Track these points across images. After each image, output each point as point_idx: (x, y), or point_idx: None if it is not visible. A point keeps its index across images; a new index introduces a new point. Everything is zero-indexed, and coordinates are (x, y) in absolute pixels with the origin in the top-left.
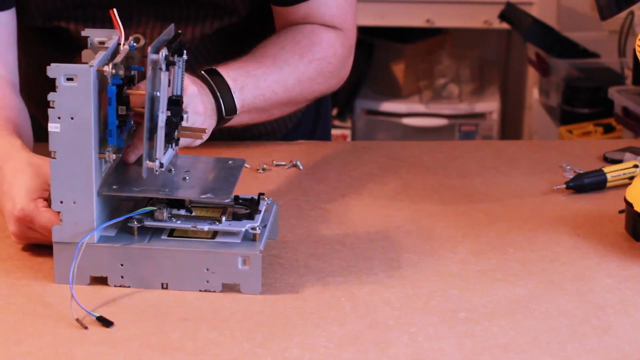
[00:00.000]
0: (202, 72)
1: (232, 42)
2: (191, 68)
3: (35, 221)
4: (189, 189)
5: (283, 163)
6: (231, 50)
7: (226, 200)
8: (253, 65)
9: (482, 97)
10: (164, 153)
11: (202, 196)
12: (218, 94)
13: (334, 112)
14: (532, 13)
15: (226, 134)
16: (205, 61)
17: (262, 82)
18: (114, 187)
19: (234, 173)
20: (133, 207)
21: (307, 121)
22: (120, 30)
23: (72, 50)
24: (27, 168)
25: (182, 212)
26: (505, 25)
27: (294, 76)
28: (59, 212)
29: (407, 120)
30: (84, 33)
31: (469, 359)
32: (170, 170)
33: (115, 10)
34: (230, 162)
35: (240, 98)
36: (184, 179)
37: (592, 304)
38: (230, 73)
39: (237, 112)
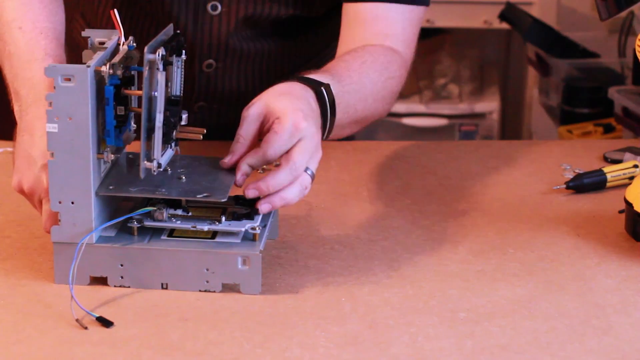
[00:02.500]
0: (316, 83)
1: (301, 33)
2: (249, 48)
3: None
4: (186, 189)
5: None
6: (284, 40)
7: (222, 200)
8: (346, 81)
9: (482, 97)
10: (163, 153)
11: (198, 196)
12: (323, 91)
13: None
14: (532, 13)
15: (228, 134)
16: (258, 45)
17: (351, 98)
18: (111, 187)
19: (231, 173)
20: (133, 208)
21: None
22: (120, 30)
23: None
24: None
25: (180, 212)
26: (505, 25)
27: (373, 94)
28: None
29: (407, 120)
30: (84, 33)
31: (469, 359)
32: (167, 170)
33: (115, 10)
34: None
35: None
36: (181, 178)
37: (592, 304)
38: (335, 85)
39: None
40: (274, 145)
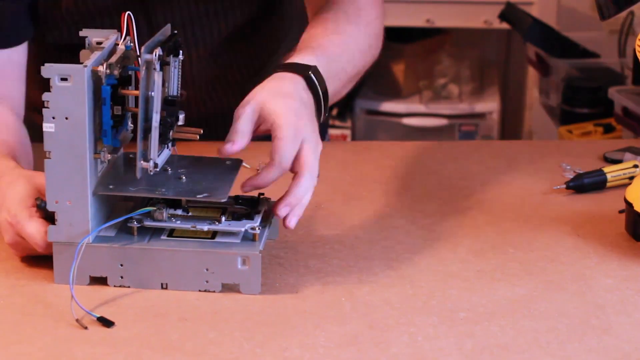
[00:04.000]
0: (303, 68)
1: (246, 40)
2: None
3: (23, 229)
4: (186, 189)
5: (242, 161)
6: (245, 47)
7: (222, 200)
8: (330, 49)
9: (482, 97)
10: (159, 154)
11: (198, 196)
12: (312, 77)
13: (334, 112)
14: (532, 13)
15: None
16: (223, 59)
17: (339, 64)
18: (110, 186)
19: (231, 173)
20: (132, 207)
21: None
22: (132, 35)
23: None
24: (21, 179)
25: (180, 212)
26: (505, 25)
27: (358, 48)
28: (47, 221)
29: (407, 120)
30: (81, 33)
31: (469, 359)
32: (167, 170)
33: (131, 13)
34: (227, 162)
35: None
36: (181, 178)
37: (592, 304)
38: (321, 60)
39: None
40: (284, 152)
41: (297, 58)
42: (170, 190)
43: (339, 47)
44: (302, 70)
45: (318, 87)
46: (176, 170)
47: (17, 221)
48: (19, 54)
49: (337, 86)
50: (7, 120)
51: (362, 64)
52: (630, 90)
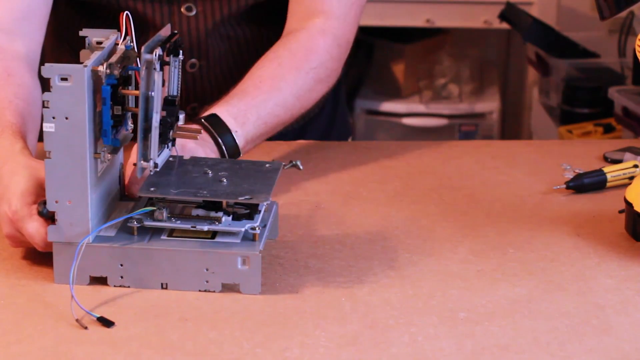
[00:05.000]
0: (202, 119)
1: (263, 19)
2: (230, 42)
3: (23, 227)
4: (227, 191)
5: (283, 163)
6: (262, 26)
7: (265, 202)
8: (252, 94)
9: (482, 97)
10: (159, 154)
11: (240, 198)
12: (220, 141)
13: None
14: (532, 13)
15: None
16: (239, 36)
17: (263, 110)
18: (152, 189)
19: (271, 176)
20: (132, 207)
21: (321, 117)
22: (131, 34)
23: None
24: (24, 171)
25: (221, 214)
26: (505, 25)
27: (293, 93)
28: (47, 221)
29: (407, 120)
30: (81, 33)
31: (469, 359)
32: (207, 173)
33: (128, 13)
34: (267, 165)
35: (242, 135)
36: (222, 181)
37: (592, 304)
38: (231, 111)
39: (241, 151)
40: None
41: (219, 109)
42: (212, 193)
43: (268, 93)
44: (217, 132)
45: (225, 151)
46: (217, 173)
47: (17, 218)
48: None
49: (261, 128)
50: (23, 80)
51: (300, 106)
52: (630, 90)
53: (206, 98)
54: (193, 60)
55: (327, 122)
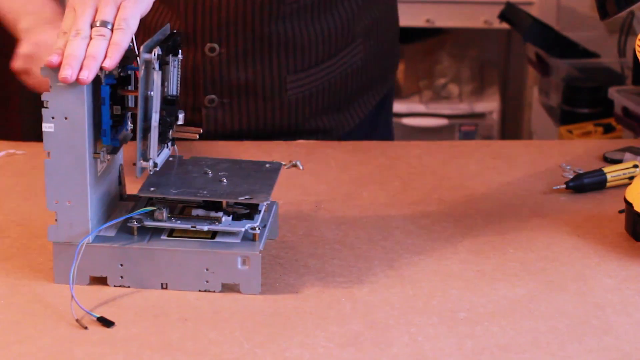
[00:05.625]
0: None
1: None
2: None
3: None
4: (227, 191)
5: (283, 163)
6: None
7: (265, 203)
8: None
9: (482, 97)
10: (159, 153)
11: (240, 198)
12: None
13: None
14: (532, 13)
15: (278, 128)
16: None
17: None
18: (152, 189)
19: (271, 176)
20: (132, 207)
21: (367, 121)
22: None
23: None
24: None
25: (221, 214)
26: (505, 25)
27: None
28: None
29: (407, 120)
30: None
31: (469, 359)
32: (207, 173)
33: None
34: (267, 165)
35: None
36: (221, 181)
37: (592, 304)
38: None
39: None
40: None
41: None
42: (212, 193)
43: None
44: None
45: None
46: (217, 173)
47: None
48: None
49: None
50: None
51: None
52: (630, 90)
53: (224, 91)
54: (213, 44)
55: (369, 130)
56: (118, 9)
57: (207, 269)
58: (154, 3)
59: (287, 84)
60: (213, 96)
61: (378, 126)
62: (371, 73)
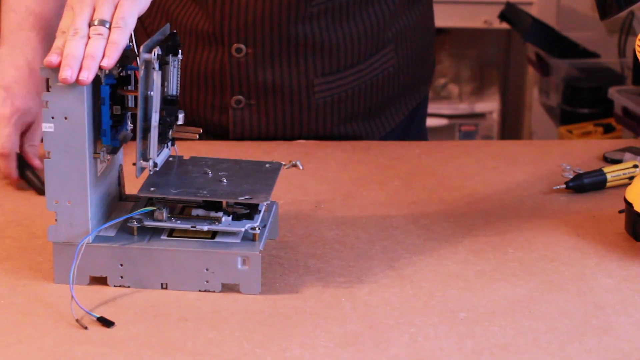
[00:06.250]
0: None
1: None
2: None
3: None
4: (227, 191)
5: (283, 163)
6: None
7: (265, 203)
8: None
9: (482, 97)
10: (158, 153)
11: (240, 198)
12: None
13: None
14: (532, 13)
15: (306, 132)
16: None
17: None
18: (152, 189)
19: (271, 176)
20: (132, 207)
21: (398, 130)
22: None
23: None
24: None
25: (221, 214)
26: (505, 25)
27: None
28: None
29: None
30: None
31: (469, 359)
32: (207, 173)
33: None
34: (267, 165)
35: None
36: (221, 181)
37: (592, 304)
38: None
39: None
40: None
41: None
42: (212, 193)
43: None
44: None
45: None
46: (217, 173)
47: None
48: None
49: None
50: None
51: None
52: (630, 90)
53: (251, 92)
54: (240, 45)
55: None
56: (116, 7)
57: (207, 269)
58: (181, 1)
59: (315, 86)
60: (240, 97)
61: (409, 136)
62: (403, 81)
